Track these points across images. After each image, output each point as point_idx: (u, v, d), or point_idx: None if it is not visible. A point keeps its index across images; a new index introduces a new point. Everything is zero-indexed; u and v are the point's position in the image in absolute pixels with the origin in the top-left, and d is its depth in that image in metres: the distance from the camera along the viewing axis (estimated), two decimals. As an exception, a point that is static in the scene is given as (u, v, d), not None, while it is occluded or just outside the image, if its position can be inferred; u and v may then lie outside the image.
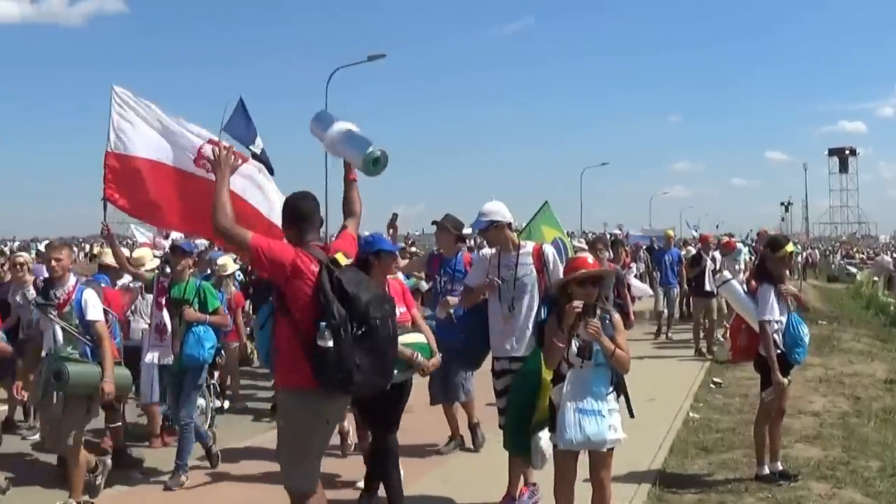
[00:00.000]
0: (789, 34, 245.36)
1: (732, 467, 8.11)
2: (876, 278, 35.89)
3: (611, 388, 5.54)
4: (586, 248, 10.77)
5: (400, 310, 6.50)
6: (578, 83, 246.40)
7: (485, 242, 9.17)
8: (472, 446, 8.98)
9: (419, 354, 6.68)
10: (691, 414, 10.56)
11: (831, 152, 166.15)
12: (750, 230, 32.87)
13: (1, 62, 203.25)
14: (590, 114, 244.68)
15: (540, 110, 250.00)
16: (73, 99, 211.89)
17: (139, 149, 8.25)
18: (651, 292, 17.39)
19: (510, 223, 6.96)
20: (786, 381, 7.38)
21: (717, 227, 30.25)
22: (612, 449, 5.61)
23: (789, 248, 7.75)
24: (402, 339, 6.09)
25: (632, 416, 5.76)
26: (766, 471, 7.58)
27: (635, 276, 19.45)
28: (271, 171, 12.72)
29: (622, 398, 5.68)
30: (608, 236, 23.29)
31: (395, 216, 9.38)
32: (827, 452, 8.57)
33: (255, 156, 12.40)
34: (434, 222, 8.85)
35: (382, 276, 6.59)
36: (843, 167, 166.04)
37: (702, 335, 16.22)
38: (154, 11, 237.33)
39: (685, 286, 18.46)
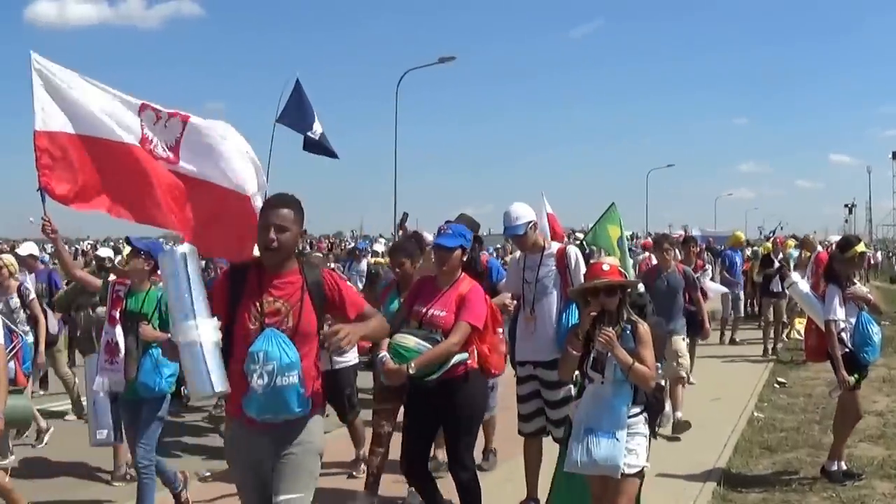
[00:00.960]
0: (854, 36, 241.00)
1: (796, 466, 8.50)
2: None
3: (637, 409, 5.21)
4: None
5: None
6: (645, 85, 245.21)
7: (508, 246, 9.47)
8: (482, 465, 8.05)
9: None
10: (756, 413, 10.95)
11: (895, 155, 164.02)
12: (814, 231, 32.93)
13: (79, 64, 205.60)
14: (656, 116, 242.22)
15: (607, 112, 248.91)
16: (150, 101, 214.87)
17: (77, 125, 6.65)
18: (726, 290, 17.07)
19: (536, 224, 7.08)
20: (852, 378, 7.53)
21: (781, 227, 30.27)
22: (636, 475, 5.17)
23: (859, 248, 7.87)
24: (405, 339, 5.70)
25: (654, 437, 5.46)
26: (835, 467, 7.87)
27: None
28: (333, 156, 13.19)
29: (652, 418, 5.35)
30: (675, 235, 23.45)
31: (405, 216, 9.75)
32: (891, 452, 8.92)
33: (310, 143, 12.80)
34: (447, 222, 8.02)
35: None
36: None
37: (770, 335, 16.62)
38: (230, 14, 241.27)
39: (747, 287, 18.87)
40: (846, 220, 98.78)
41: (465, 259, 6.11)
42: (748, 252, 22.15)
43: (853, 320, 7.63)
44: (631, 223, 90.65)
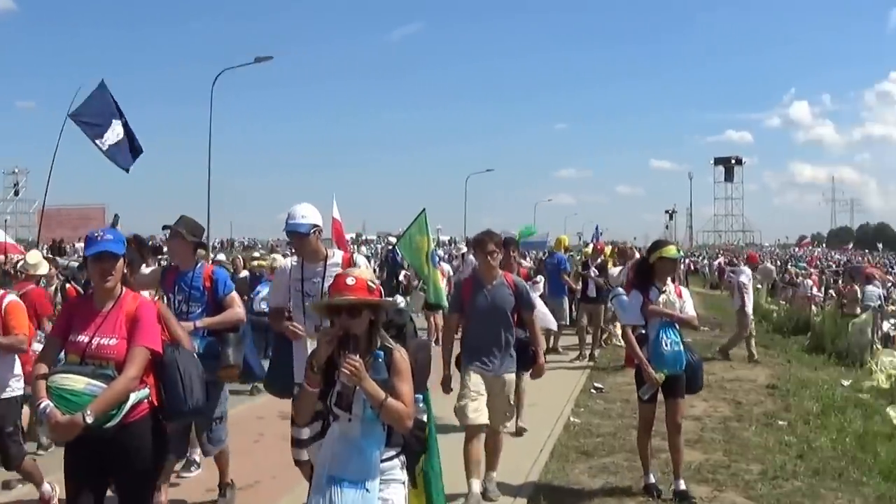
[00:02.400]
0: (676, 43, 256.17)
1: (613, 471, 8.90)
2: (759, 286, 37.83)
3: (392, 452, 4.61)
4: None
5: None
6: (465, 89, 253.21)
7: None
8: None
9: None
10: (572, 419, 11.37)
11: (717, 161, 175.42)
12: (634, 237, 34.43)
13: None
14: (476, 120, 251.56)
15: (426, 116, 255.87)
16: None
17: None
18: (555, 327, 14.40)
19: (320, 229, 6.80)
20: (660, 375, 7.78)
21: (601, 234, 31.35)
22: None
23: (663, 252, 8.07)
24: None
25: (414, 486, 5.08)
26: (652, 479, 8.19)
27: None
28: (124, 168, 12.82)
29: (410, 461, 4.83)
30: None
31: (115, 218, 9.36)
32: (708, 456, 9.46)
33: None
34: (165, 227, 7.75)
35: None
36: (729, 176, 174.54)
37: (588, 340, 17.20)
38: (43, 9, 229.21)
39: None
40: (667, 226, 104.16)
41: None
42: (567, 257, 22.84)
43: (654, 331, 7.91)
44: (451, 229, 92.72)
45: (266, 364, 7.48)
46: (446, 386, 7.87)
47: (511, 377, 7.92)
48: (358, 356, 4.37)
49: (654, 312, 7.86)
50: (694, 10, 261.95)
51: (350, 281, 4.51)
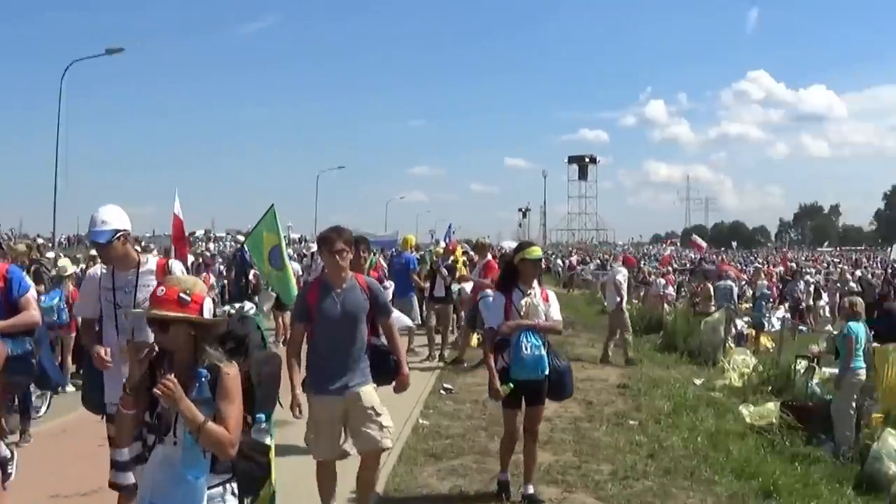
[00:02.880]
0: (531, 42, 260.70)
1: (462, 474, 8.90)
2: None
3: (218, 479, 4.28)
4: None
5: None
6: (319, 85, 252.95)
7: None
8: None
9: None
10: (421, 421, 11.37)
11: (571, 160, 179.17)
12: (487, 236, 34.71)
13: None
14: (330, 117, 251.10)
15: (280, 113, 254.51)
16: None
17: None
18: (411, 323, 15.31)
19: (130, 233, 6.33)
20: (504, 388, 7.70)
21: (453, 232, 31.60)
22: None
23: (526, 253, 8.02)
24: None
25: None
26: (507, 477, 8.17)
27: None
28: None
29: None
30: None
31: None
32: (558, 457, 9.56)
33: None
34: None
35: None
36: (583, 174, 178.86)
37: (437, 340, 17.18)
38: None
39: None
40: (520, 225, 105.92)
41: None
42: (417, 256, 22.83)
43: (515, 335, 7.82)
44: (302, 226, 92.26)
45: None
46: (296, 410, 6.74)
47: (368, 388, 6.90)
48: (174, 374, 4.09)
49: (509, 327, 7.73)
50: (550, 7, 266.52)
51: (160, 292, 4.22)
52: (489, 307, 8.28)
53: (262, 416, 4.59)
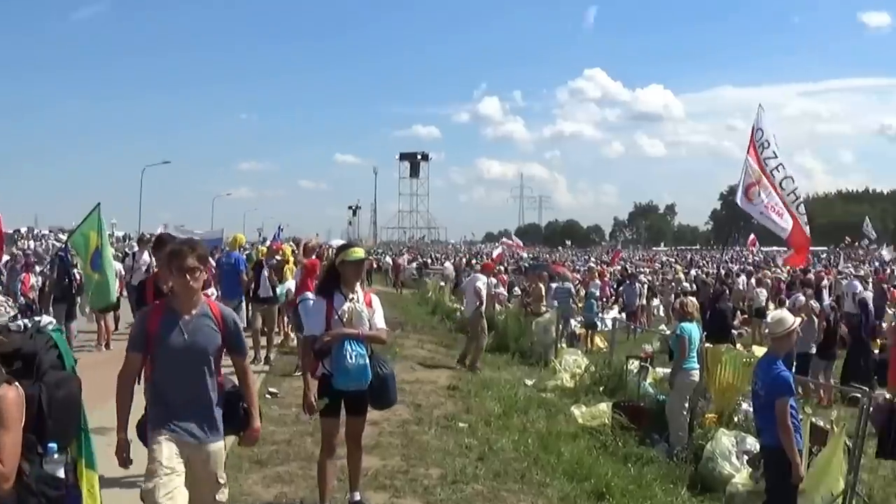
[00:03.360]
0: (364, 36, 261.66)
1: (287, 480, 8.82)
2: (443, 283, 39.03)
3: None
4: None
5: None
6: (144, 78, 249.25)
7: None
8: None
9: None
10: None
11: (403, 157, 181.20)
12: (317, 234, 34.69)
13: None
14: (155, 110, 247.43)
15: (104, 107, 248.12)
16: None
17: None
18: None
19: None
20: (320, 402, 7.57)
21: (282, 230, 31.30)
22: None
23: (347, 255, 7.81)
24: None
25: None
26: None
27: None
28: None
29: None
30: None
31: None
32: (386, 461, 9.54)
33: None
34: None
35: None
36: (415, 172, 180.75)
37: (262, 343, 16.98)
38: None
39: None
40: (350, 222, 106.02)
41: None
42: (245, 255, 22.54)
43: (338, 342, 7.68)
44: (125, 224, 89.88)
45: None
46: (123, 458, 5.72)
47: (217, 447, 5.92)
48: None
49: (333, 336, 7.51)
50: (382, 5, 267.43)
51: None
52: (309, 312, 8.10)
53: (54, 447, 4.35)
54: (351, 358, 7.46)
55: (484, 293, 18.76)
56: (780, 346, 8.28)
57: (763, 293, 27.00)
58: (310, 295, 9.05)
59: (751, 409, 9.92)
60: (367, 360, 7.56)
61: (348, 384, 7.51)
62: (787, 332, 8.16)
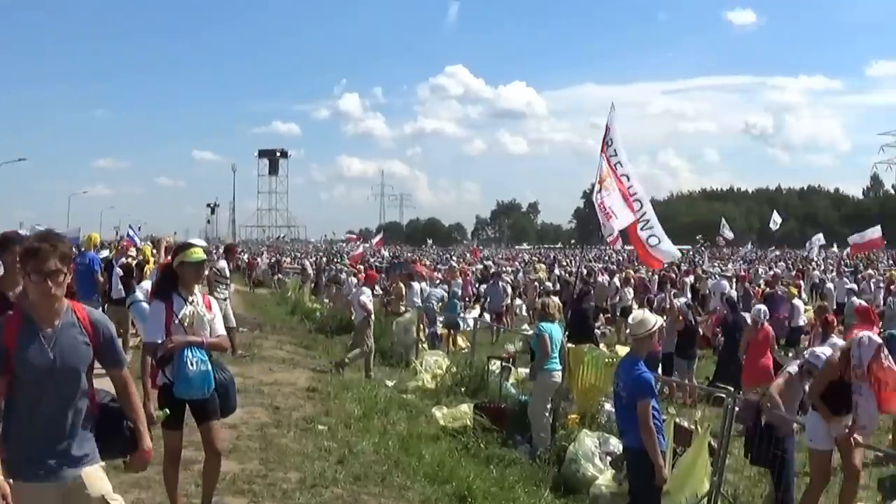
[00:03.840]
0: (222, 33, 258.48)
1: (145, 486, 8.59)
2: (302, 283, 38.98)
3: None
4: None
5: None
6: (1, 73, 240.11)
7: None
8: None
9: None
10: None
11: (261, 154, 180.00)
12: (175, 232, 34.29)
13: None
14: (12, 106, 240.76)
15: None
16: None
17: None
18: None
19: None
20: (160, 413, 7.14)
21: (139, 229, 30.77)
22: None
23: (186, 255, 7.63)
24: None
25: None
26: None
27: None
28: None
29: None
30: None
31: None
32: (244, 466, 9.51)
33: None
34: None
35: None
36: (274, 169, 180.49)
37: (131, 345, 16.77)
38: None
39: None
40: (208, 221, 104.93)
41: None
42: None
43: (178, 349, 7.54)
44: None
45: None
46: None
47: (94, 470, 5.06)
48: None
49: (176, 343, 7.31)
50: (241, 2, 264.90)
51: None
52: (145, 316, 7.88)
53: None
54: (192, 365, 7.30)
55: (370, 305, 18.80)
56: (641, 346, 8.55)
57: (630, 292, 27.61)
58: (140, 296, 8.85)
59: (613, 410, 10.17)
60: (210, 367, 7.43)
61: (191, 393, 7.36)
62: (649, 332, 8.43)
